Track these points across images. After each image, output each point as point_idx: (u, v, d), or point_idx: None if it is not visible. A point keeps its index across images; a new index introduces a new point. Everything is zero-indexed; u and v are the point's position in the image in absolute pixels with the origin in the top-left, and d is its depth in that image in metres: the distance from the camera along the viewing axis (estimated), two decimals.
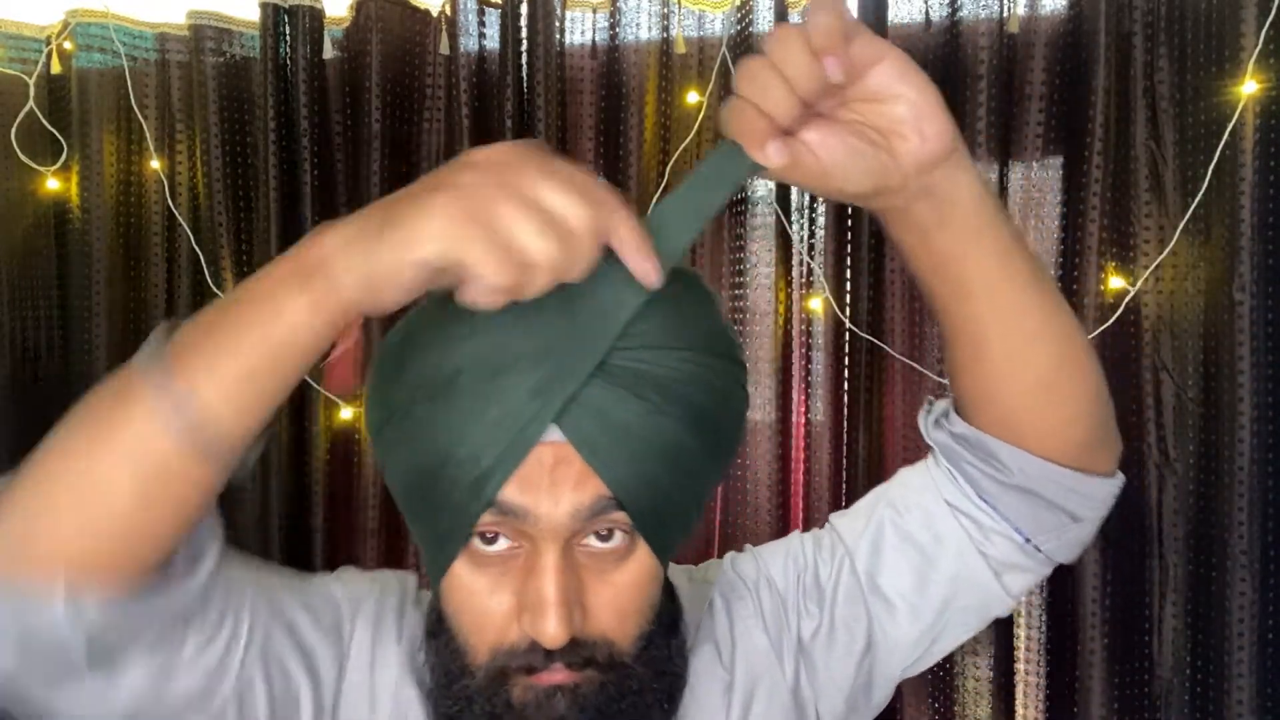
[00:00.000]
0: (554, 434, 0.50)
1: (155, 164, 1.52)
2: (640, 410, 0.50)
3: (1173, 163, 1.32)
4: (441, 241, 0.43)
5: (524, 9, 1.43)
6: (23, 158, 1.52)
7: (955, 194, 0.53)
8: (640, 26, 1.46)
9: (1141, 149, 1.32)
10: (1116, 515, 1.45)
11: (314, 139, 1.46)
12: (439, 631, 0.58)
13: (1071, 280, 1.33)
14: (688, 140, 1.42)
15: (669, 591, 0.61)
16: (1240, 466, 1.27)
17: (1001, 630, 1.40)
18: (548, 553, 0.52)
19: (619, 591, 0.55)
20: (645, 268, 0.47)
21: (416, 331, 0.54)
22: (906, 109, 0.50)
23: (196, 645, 0.54)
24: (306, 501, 1.51)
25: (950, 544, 0.65)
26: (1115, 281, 1.33)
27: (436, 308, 0.53)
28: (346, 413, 1.51)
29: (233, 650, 0.56)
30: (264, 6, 1.45)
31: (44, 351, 1.58)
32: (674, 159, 1.42)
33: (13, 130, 1.51)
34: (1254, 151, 1.26)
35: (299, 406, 1.51)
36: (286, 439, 1.50)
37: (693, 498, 0.57)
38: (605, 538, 0.54)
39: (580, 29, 1.47)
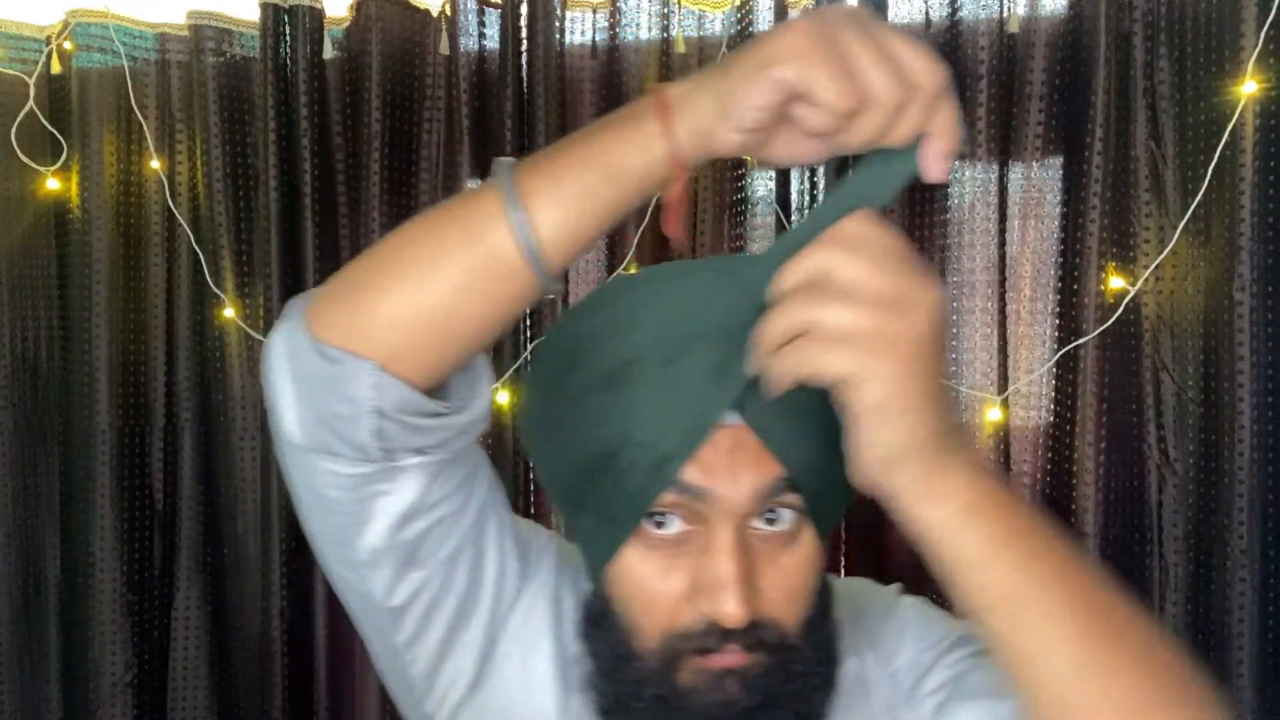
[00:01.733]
0: (731, 417, 0.52)
1: (155, 164, 1.52)
2: (811, 394, 0.49)
3: (1173, 163, 1.32)
4: (795, 58, 0.44)
5: (524, 9, 1.43)
6: (23, 158, 1.52)
7: (918, 525, 0.48)
8: (640, 26, 1.46)
9: (1141, 149, 1.32)
10: (1117, 515, 1.45)
11: (314, 139, 1.46)
12: (602, 620, 0.58)
13: (1071, 280, 1.33)
14: None
15: (825, 586, 0.61)
16: (1240, 466, 1.27)
17: None
18: (724, 532, 0.53)
19: (788, 574, 0.55)
20: (940, 168, 0.46)
21: (584, 324, 0.55)
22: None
23: (443, 489, 0.57)
24: None
25: None
26: (1115, 281, 1.33)
27: (604, 302, 0.55)
28: None
29: (463, 512, 0.59)
30: (264, 6, 1.45)
31: (43, 351, 1.59)
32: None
33: (13, 130, 1.51)
34: (1254, 151, 1.26)
35: None
36: None
37: (844, 480, 0.54)
38: (773, 521, 0.54)
39: (580, 29, 1.47)
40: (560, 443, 0.57)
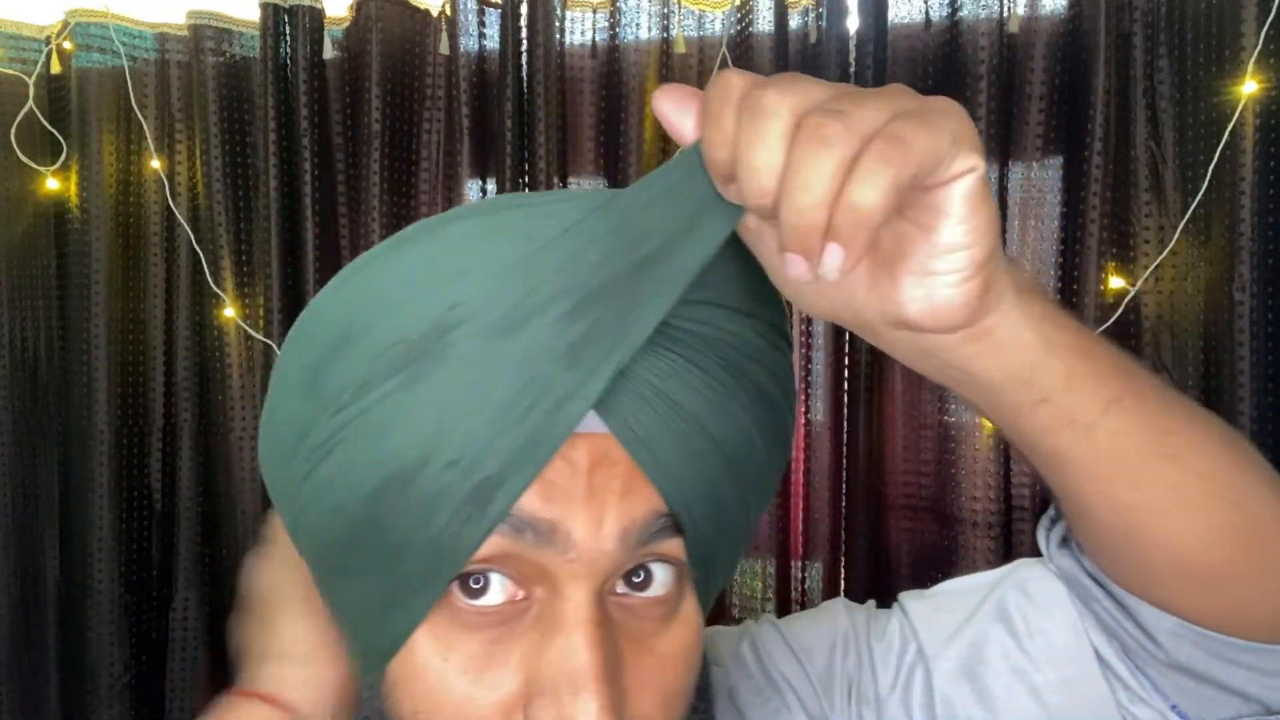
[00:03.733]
0: (591, 421, 0.36)
1: (155, 164, 1.52)
2: (707, 391, 0.37)
3: (1173, 163, 1.32)
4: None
5: (524, 9, 1.42)
6: (22, 157, 1.52)
7: (985, 370, 0.38)
8: (640, 26, 1.46)
9: (1141, 149, 1.32)
10: None
11: (314, 139, 1.46)
12: None
13: (1071, 280, 1.33)
14: None
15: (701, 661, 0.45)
16: None
17: None
18: (579, 600, 0.36)
19: (664, 665, 0.39)
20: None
21: (368, 285, 0.38)
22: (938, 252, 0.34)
23: None
24: None
25: (1089, 706, 0.46)
26: (1115, 281, 1.33)
27: (400, 251, 0.38)
28: None
29: None
30: (264, 6, 1.45)
31: (42, 351, 1.58)
32: (673, 159, 1.42)
33: (12, 130, 1.51)
34: (1254, 151, 1.26)
35: None
36: None
37: (746, 523, 0.42)
38: (642, 584, 0.38)
39: (580, 29, 1.47)
40: (319, 473, 0.38)
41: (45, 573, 1.58)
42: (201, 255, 1.51)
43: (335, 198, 1.50)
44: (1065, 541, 0.48)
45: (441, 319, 0.35)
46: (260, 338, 1.48)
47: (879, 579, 1.38)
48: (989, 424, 1.37)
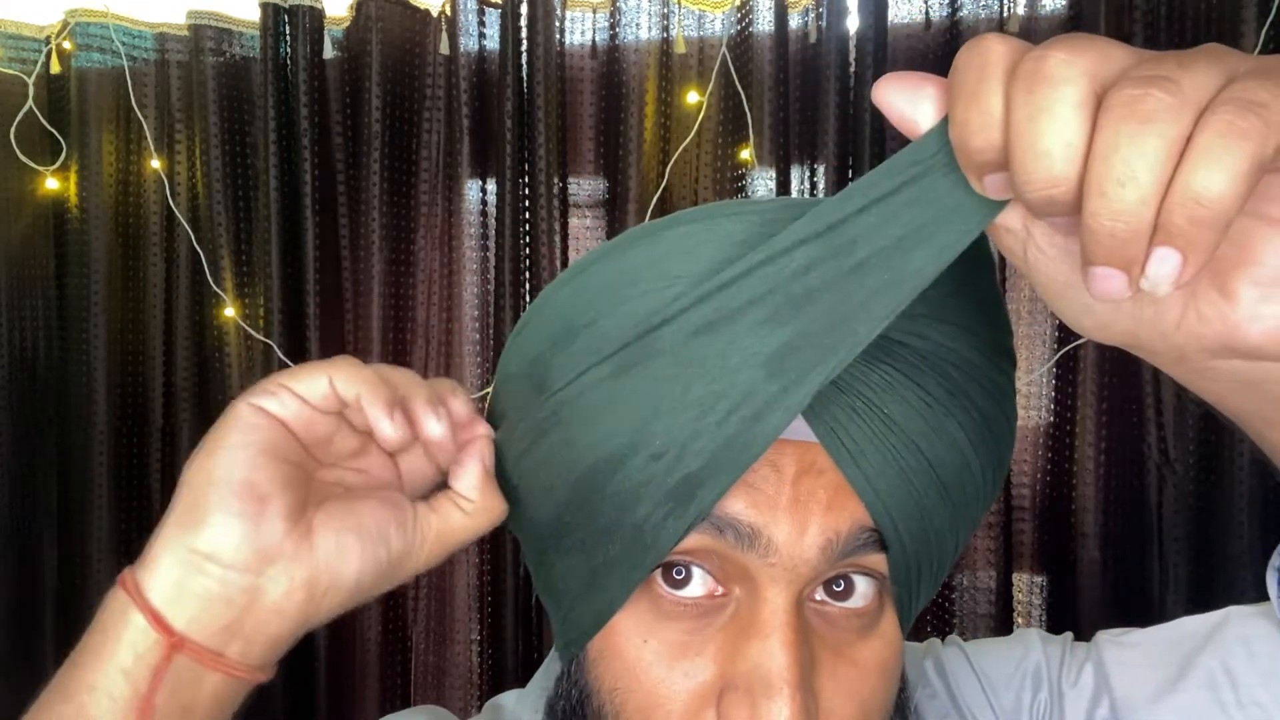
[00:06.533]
0: (800, 429, 0.36)
1: (155, 164, 1.52)
2: (923, 409, 0.36)
3: None
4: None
5: (524, 9, 1.43)
6: (22, 157, 1.52)
7: None
8: (640, 26, 1.46)
9: None
10: (1117, 515, 1.45)
11: (314, 139, 1.46)
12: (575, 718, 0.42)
13: None
14: (687, 140, 1.42)
15: (903, 681, 0.43)
16: (1240, 466, 1.27)
17: (1001, 631, 1.40)
18: (778, 604, 0.36)
19: (862, 676, 0.38)
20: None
21: (591, 281, 0.39)
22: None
23: None
24: None
25: None
26: None
27: (621, 252, 0.39)
28: None
29: None
30: (264, 6, 1.45)
31: (41, 352, 1.58)
32: (674, 159, 1.42)
33: (12, 130, 1.51)
34: None
35: None
36: None
37: (954, 544, 0.40)
38: (843, 594, 0.38)
39: (580, 29, 1.47)
40: (535, 451, 0.40)
41: (44, 573, 1.58)
42: (201, 255, 1.51)
43: (335, 198, 1.51)
44: None
45: (651, 315, 0.36)
46: (260, 337, 1.48)
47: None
48: None
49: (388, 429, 0.37)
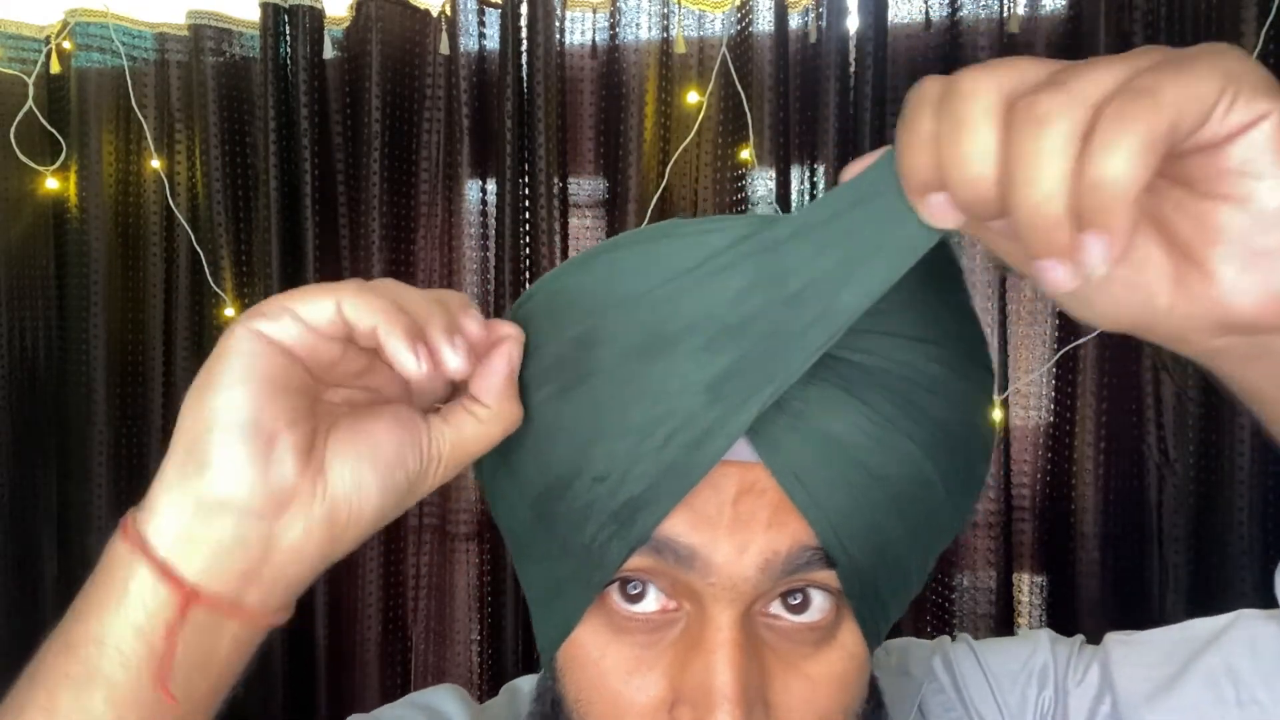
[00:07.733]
0: (741, 450, 0.36)
1: (155, 163, 1.52)
2: (868, 425, 0.36)
3: None
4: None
5: (524, 9, 1.42)
6: (21, 157, 1.51)
7: None
8: (640, 26, 1.46)
9: None
10: (1117, 515, 1.45)
11: (314, 139, 1.46)
12: (555, 712, 0.43)
13: None
14: (687, 140, 1.42)
15: (872, 686, 0.44)
16: (1240, 466, 1.27)
17: (1001, 631, 1.40)
18: (721, 621, 0.37)
19: (816, 688, 0.38)
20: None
21: (546, 300, 0.40)
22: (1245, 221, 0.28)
23: None
24: None
25: None
26: None
27: (593, 259, 0.39)
28: None
29: None
30: (264, 6, 1.45)
31: (41, 352, 1.58)
32: (674, 159, 1.42)
33: (11, 130, 1.51)
34: None
35: None
36: None
37: (921, 558, 0.41)
38: (799, 607, 0.38)
39: (580, 29, 1.47)
40: (510, 467, 0.40)
41: (44, 573, 1.58)
42: (201, 255, 1.51)
43: (335, 198, 1.50)
44: None
45: (588, 336, 0.36)
46: None
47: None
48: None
49: (412, 365, 0.34)
